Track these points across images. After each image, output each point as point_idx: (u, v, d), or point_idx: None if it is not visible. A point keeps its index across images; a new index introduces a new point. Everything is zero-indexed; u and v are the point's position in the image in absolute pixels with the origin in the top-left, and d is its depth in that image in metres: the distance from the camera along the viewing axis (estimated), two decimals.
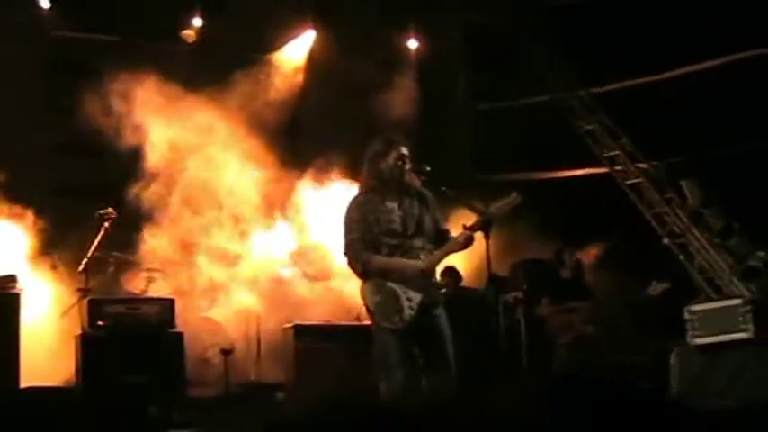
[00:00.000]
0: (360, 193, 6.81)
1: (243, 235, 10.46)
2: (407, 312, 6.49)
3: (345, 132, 11.20)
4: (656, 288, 10.20)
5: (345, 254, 6.71)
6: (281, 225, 10.96)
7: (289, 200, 11.06)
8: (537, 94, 13.49)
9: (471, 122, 13.75)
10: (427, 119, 12.60)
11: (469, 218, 6.61)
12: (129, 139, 10.46)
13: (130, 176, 10.54)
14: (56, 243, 10.00)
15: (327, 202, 10.62)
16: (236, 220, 10.45)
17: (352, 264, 6.66)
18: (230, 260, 10.46)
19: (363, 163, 6.84)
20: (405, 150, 6.71)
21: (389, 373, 6.52)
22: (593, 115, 13.42)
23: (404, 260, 6.58)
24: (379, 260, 6.57)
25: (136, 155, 10.51)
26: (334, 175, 10.76)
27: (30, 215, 9.89)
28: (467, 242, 6.58)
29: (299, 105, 11.78)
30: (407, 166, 6.69)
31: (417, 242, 6.65)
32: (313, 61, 12.44)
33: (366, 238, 6.60)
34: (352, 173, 9.31)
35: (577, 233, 11.21)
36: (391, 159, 6.68)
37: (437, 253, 6.71)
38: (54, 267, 9.71)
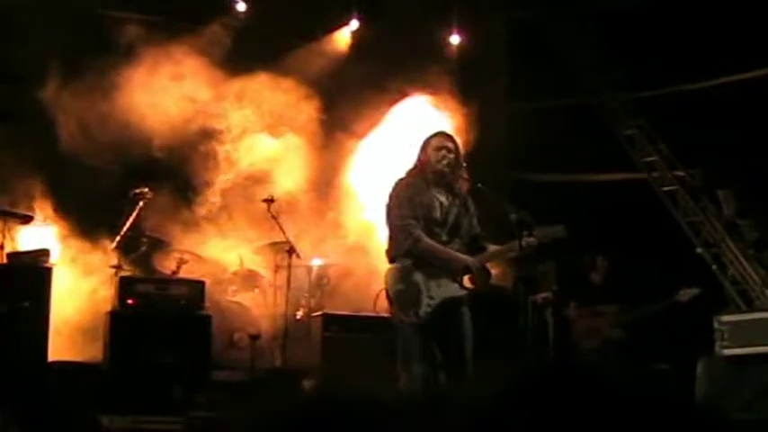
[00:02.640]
0: (406, 176, 6.88)
1: (279, 218, 10.42)
2: (424, 309, 6.52)
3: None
4: (686, 294, 10.17)
5: (392, 229, 6.75)
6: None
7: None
8: (579, 95, 13.45)
9: (510, 120, 13.70)
10: (466, 115, 12.56)
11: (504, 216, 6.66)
12: (171, 119, 10.53)
13: (170, 158, 10.62)
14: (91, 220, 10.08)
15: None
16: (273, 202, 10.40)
17: (399, 239, 6.67)
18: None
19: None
20: (448, 143, 6.80)
21: (409, 367, 6.56)
22: (633, 120, 13.35)
23: (453, 252, 6.64)
24: (430, 242, 6.62)
25: (176, 136, 10.59)
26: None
27: (65, 192, 9.98)
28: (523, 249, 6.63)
29: (339, 93, 11.74)
30: (448, 163, 6.74)
31: (455, 245, 6.70)
32: (355, 50, 12.44)
33: (417, 216, 6.65)
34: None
35: (609, 237, 11.17)
36: (431, 149, 6.77)
37: (489, 252, 6.79)
38: None
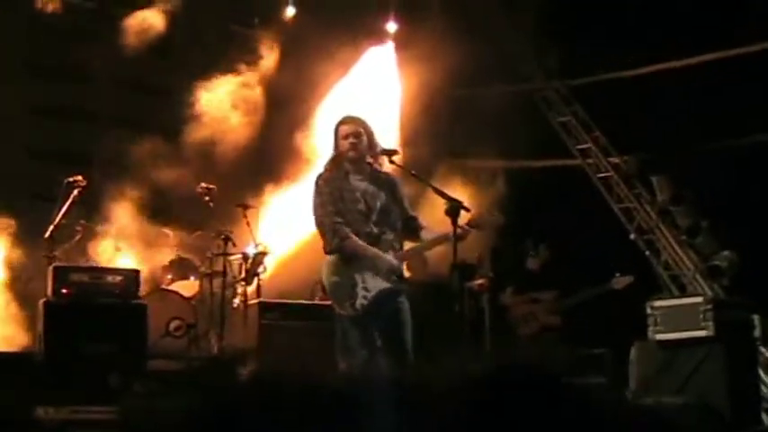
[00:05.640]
0: (324, 171, 6.83)
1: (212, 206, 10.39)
2: (360, 302, 6.50)
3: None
4: (620, 281, 10.25)
5: (320, 226, 6.70)
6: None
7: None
8: (514, 82, 13.53)
9: (447, 107, 13.74)
10: (404, 102, 12.60)
11: (438, 203, 6.65)
12: (108, 105, 10.47)
13: (107, 144, 10.56)
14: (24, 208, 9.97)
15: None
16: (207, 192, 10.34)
17: (328, 237, 6.63)
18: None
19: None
20: (355, 129, 6.72)
21: (349, 355, 6.55)
22: (568, 107, 13.46)
23: (378, 251, 6.59)
24: (356, 242, 6.58)
25: (114, 123, 10.53)
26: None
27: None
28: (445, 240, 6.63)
29: (275, 81, 11.71)
30: (365, 150, 6.70)
31: (388, 236, 6.66)
32: (291, 37, 12.40)
33: (341, 212, 6.61)
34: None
35: (544, 224, 11.25)
36: (347, 143, 6.69)
37: (409, 250, 6.79)
38: None
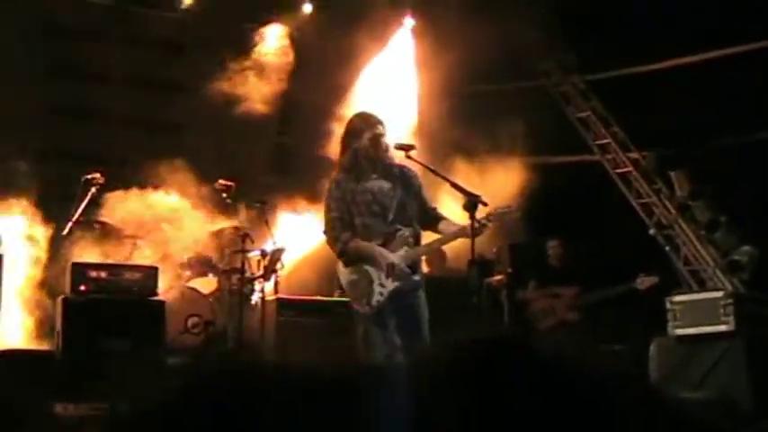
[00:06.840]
0: (337, 173, 6.77)
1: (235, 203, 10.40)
2: (376, 298, 6.46)
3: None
4: (645, 281, 10.12)
5: (325, 232, 6.70)
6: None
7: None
8: (532, 77, 13.49)
9: (464, 103, 13.72)
10: (421, 97, 12.58)
11: (456, 198, 6.62)
12: (122, 104, 10.49)
13: (122, 143, 10.57)
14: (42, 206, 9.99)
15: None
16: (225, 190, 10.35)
17: (331, 242, 6.63)
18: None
19: (341, 142, 6.80)
20: (380, 130, 6.65)
21: (371, 353, 6.52)
22: (586, 102, 13.42)
23: (379, 248, 6.54)
24: (358, 244, 6.54)
25: (129, 121, 10.54)
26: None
27: (19, 177, 9.90)
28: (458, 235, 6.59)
29: (290, 77, 11.71)
30: (384, 147, 6.64)
31: (404, 232, 6.59)
32: (307, 35, 12.40)
33: (345, 218, 6.57)
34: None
35: (565, 220, 11.21)
36: (365, 140, 6.61)
37: (426, 245, 6.75)
38: None
